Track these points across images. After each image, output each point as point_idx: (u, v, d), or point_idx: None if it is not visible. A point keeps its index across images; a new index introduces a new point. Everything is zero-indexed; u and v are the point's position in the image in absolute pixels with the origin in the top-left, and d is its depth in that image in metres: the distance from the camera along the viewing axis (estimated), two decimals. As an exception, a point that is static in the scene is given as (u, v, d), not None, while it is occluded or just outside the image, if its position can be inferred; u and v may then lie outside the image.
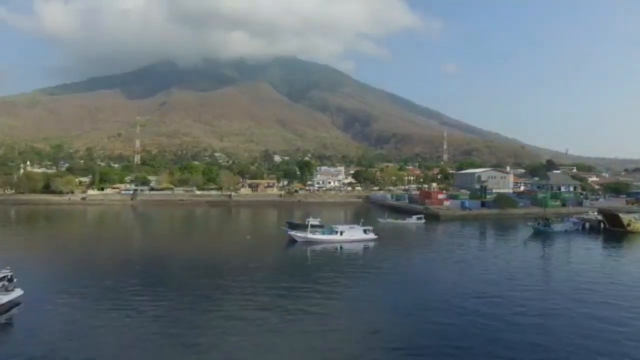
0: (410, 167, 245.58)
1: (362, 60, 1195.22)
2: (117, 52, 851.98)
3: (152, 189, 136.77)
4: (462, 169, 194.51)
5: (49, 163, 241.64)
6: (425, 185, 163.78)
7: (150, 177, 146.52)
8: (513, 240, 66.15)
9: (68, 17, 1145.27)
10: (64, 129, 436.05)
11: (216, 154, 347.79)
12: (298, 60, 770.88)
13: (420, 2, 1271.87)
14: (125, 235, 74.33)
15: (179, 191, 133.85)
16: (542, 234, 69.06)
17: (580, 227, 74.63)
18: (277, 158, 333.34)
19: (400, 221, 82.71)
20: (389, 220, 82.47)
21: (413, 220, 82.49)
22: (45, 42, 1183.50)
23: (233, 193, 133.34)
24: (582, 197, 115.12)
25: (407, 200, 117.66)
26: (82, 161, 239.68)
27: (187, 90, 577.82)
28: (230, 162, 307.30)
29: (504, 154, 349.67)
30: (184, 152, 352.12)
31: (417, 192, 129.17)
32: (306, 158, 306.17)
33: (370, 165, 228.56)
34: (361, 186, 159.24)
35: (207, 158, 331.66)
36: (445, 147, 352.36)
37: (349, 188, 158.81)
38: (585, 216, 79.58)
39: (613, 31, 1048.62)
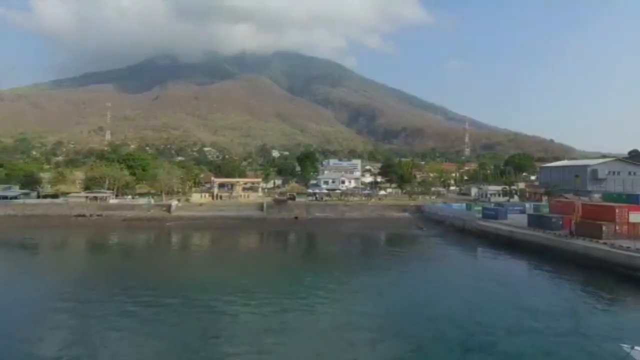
0: (444, 163, 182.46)
1: (365, 55, 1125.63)
2: (117, 47, 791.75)
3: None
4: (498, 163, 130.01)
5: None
6: (501, 188, 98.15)
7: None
8: None
9: (66, 12, 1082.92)
10: (45, 124, 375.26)
11: (205, 149, 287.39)
12: (300, 54, 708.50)
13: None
14: None
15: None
16: None
17: None
18: (275, 153, 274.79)
19: None
20: None
21: None
22: (43, 39, 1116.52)
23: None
24: None
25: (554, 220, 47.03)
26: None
27: (185, 84, 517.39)
28: (221, 157, 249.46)
29: (532, 149, 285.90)
30: (170, 146, 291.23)
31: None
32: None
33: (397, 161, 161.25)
34: (401, 189, 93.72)
35: (194, 153, 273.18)
36: (467, 140, 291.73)
37: (391, 190, 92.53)
38: None
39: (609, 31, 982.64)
